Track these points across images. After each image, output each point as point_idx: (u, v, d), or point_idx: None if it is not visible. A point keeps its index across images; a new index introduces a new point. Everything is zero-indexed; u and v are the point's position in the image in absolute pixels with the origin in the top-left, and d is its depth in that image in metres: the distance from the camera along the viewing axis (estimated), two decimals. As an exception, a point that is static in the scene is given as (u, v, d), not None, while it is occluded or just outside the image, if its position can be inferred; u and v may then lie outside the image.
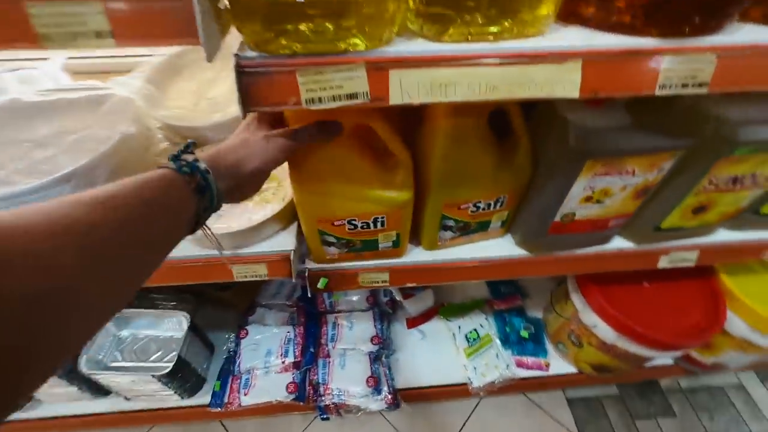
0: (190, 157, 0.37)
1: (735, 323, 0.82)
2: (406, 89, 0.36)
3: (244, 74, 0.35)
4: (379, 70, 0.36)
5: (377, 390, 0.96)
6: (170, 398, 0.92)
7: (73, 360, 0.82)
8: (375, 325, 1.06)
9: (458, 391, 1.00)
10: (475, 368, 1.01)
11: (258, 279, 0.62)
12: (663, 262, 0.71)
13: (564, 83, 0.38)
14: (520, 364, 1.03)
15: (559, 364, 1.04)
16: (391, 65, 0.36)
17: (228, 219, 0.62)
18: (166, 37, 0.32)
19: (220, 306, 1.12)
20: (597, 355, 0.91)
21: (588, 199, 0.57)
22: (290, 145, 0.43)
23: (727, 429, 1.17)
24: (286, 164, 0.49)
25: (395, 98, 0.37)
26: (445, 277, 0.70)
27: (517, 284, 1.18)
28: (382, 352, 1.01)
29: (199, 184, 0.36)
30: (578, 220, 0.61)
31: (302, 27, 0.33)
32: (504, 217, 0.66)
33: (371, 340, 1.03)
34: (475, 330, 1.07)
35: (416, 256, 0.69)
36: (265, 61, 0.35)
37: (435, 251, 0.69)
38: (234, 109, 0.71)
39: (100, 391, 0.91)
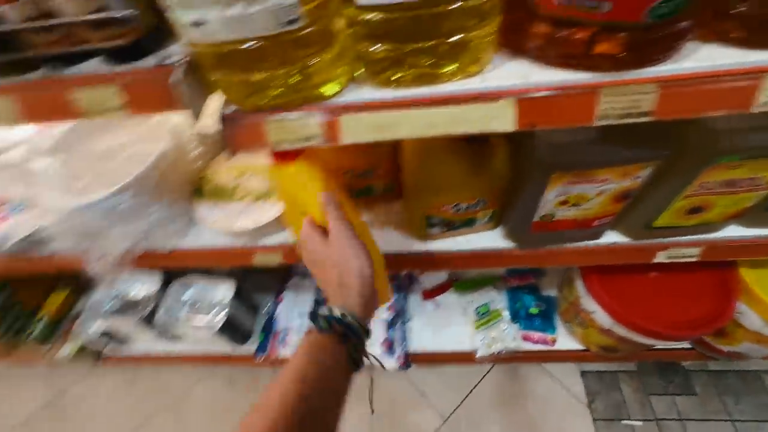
0: (325, 311, 0.42)
1: (750, 317, 0.79)
2: (355, 131, 0.43)
3: (226, 125, 0.43)
4: (329, 117, 0.42)
5: (391, 352, 1.10)
6: (226, 346, 1.15)
7: (152, 313, 1.06)
8: (392, 296, 1.17)
9: (465, 357, 1.10)
10: (482, 339, 1.09)
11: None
12: (661, 257, 0.71)
13: (499, 119, 0.41)
14: (526, 338, 1.09)
15: (567, 341, 1.08)
16: (340, 112, 0.42)
17: (248, 216, 0.75)
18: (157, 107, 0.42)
19: (265, 273, 1.30)
20: (600, 338, 0.93)
21: (564, 203, 0.59)
22: (349, 226, 0.47)
23: (753, 412, 1.15)
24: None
25: (346, 139, 0.43)
26: (437, 265, 0.77)
27: (533, 262, 1.20)
28: (396, 319, 1.14)
29: (340, 333, 0.40)
30: (558, 220, 0.63)
31: (269, 92, 0.40)
32: (489, 214, 0.69)
33: (387, 308, 1.15)
34: (486, 304, 1.14)
35: (411, 245, 0.76)
36: (240, 114, 0.43)
37: (428, 242, 0.76)
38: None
39: (174, 336, 1.16)
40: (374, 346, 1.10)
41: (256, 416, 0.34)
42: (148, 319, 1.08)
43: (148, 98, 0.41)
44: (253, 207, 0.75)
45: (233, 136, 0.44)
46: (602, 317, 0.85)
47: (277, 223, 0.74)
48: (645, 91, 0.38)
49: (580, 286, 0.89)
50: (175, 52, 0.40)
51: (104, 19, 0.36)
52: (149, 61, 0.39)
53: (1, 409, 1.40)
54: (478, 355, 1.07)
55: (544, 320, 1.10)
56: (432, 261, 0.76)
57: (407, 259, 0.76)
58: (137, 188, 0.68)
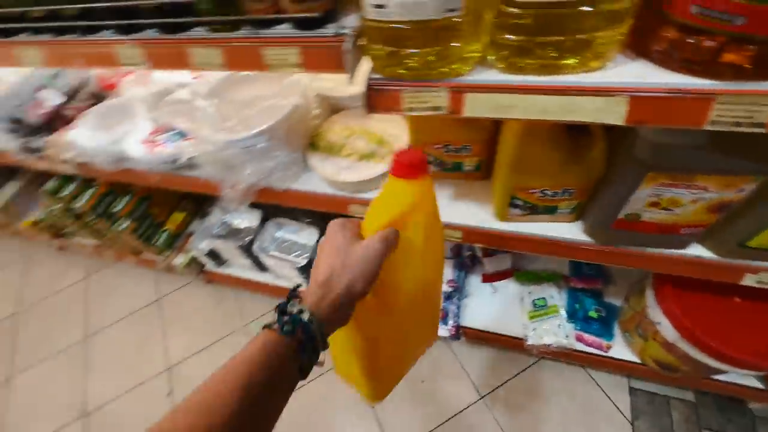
0: (294, 308, 0.40)
1: (842, 365, 0.74)
2: (475, 107, 0.50)
3: (370, 89, 0.54)
4: (456, 92, 0.50)
5: (444, 321, 1.19)
6: (303, 284, 1.33)
7: (250, 243, 1.27)
8: (453, 272, 1.25)
9: (513, 343, 1.15)
10: (534, 329, 1.13)
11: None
12: (748, 280, 0.69)
13: (610, 113, 0.46)
14: (579, 339, 1.10)
15: (622, 351, 1.08)
16: (466, 89, 0.49)
17: (352, 171, 0.86)
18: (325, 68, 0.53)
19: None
20: (660, 352, 0.93)
21: (655, 204, 0.62)
22: (385, 252, 0.44)
23: (825, 478, 1.05)
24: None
25: (467, 113, 0.51)
26: (508, 244, 0.83)
27: (602, 268, 1.20)
28: (454, 294, 1.22)
29: (300, 341, 0.39)
30: (645, 221, 0.66)
31: (408, 64, 0.50)
32: (573, 206, 0.73)
33: (447, 282, 1.23)
34: (544, 298, 1.17)
35: (489, 222, 0.83)
36: (382, 82, 0.53)
37: (505, 222, 0.82)
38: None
39: (263, 268, 1.37)
40: (429, 312, 1.20)
41: (190, 416, 0.33)
42: (246, 248, 1.28)
43: (320, 60, 0.52)
44: (356, 164, 0.87)
45: (374, 98, 0.54)
46: (667, 329, 0.84)
47: (374, 182, 0.85)
48: (764, 102, 0.40)
49: (650, 295, 0.89)
50: (348, 24, 0.51)
51: (307, -4, 0.47)
52: (329, 30, 0.50)
53: (116, 299, 1.76)
54: (527, 343, 1.11)
55: (603, 326, 1.10)
56: (505, 240, 0.82)
57: (482, 234, 0.83)
58: (271, 134, 0.83)
